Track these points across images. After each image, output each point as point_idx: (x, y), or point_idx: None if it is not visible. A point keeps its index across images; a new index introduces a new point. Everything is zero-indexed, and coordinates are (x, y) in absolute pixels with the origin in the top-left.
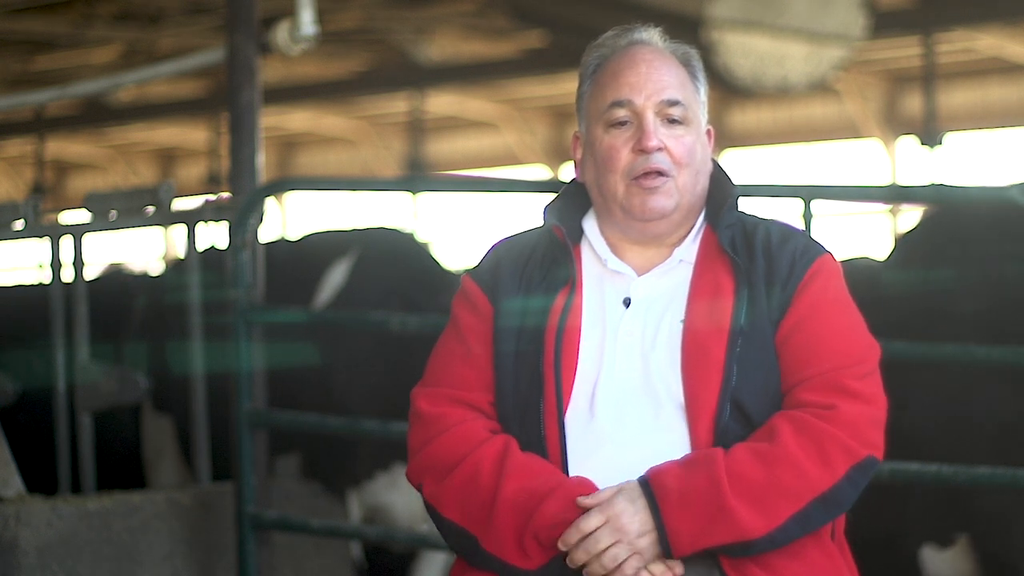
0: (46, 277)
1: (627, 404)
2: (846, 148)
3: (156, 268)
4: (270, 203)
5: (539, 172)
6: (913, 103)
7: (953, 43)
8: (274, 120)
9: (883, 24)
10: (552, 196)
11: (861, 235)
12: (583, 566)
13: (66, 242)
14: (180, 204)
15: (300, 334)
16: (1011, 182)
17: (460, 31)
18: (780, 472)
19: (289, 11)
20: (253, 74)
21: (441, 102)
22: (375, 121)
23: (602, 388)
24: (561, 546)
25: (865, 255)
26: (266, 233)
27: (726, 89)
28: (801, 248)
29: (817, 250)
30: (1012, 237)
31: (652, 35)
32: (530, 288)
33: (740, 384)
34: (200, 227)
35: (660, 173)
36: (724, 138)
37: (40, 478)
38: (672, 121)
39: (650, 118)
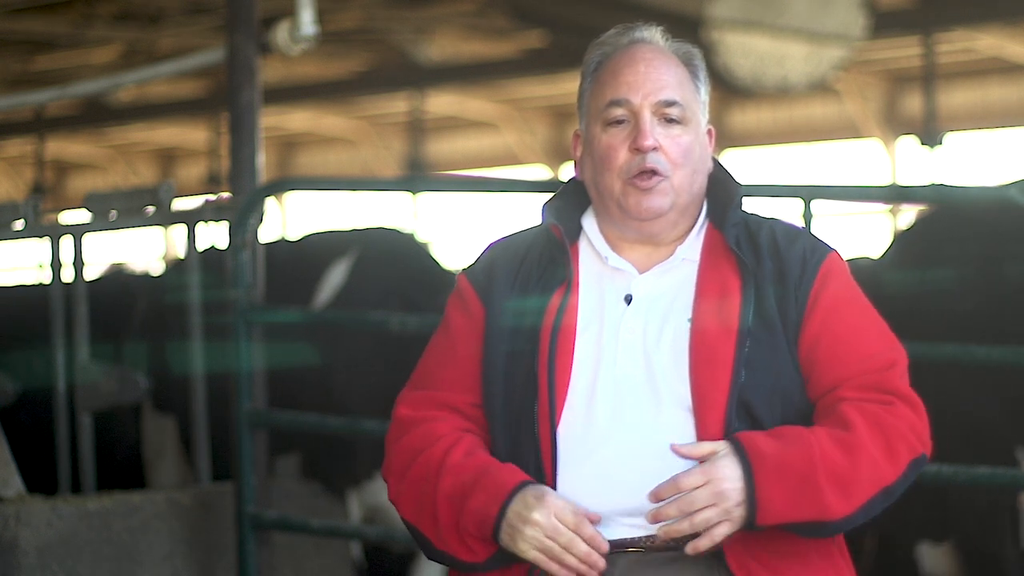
0: (46, 277)
1: (627, 402)
2: (846, 148)
3: (156, 268)
4: (270, 203)
5: (539, 172)
6: (913, 103)
7: (953, 43)
8: (274, 120)
9: (883, 24)
10: (551, 196)
11: (861, 235)
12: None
13: (66, 242)
14: (180, 204)
15: (300, 334)
16: (1011, 182)
17: (460, 31)
18: (858, 460)
19: (289, 11)
20: (253, 74)
21: (441, 102)
22: (375, 121)
23: (601, 385)
24: (651, 498)
25: (863, 255)
26: (266, 233)
27: (726, 89)
28: (810, 247)
29: (825, 248)
30: (1007, 237)
31: (654, 34)
32: (526, 288)
33: (748, 384)
34: (200, 227)
35: (655, 173)
36: (724, 138)
37: (40, 478)
38: (670, 121)
39: (647, 117)
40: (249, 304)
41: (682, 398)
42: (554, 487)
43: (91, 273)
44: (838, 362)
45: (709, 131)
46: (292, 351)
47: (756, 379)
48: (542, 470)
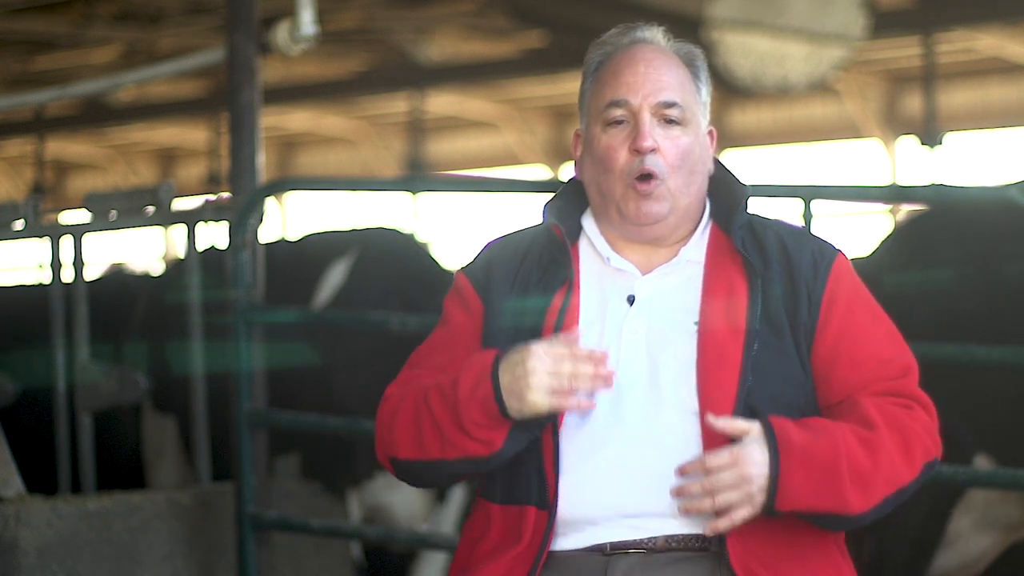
0: (46, 277)
1: (628, 403)
2: (846, 148)
3: (156, 268)
4: (270, 203)
5: (539, 172)
6: (913, 103)
7: (953, 43)
8: (274, 120)
9: (883, 24)
10: (551, 196)
11: (861, 235)
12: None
13: (66, 242)
14: (180, 204)
15: (300, 334)
16: (1011, 182)
17: (460, 31)
18: (879, 459)
19: (289, 11)
20: (253, 74)
21: (441, 102)
22: (375, 121)
23: None
24: (677, 473)
25: (862, 255)
26: (266, 233)
27: (726, 89)
28: (818, 249)
29: (833, 250)
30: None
31: (655, 34)
32: (526, 288)
33: (755, 387)
34: (200, 227)
35: (652, 176)
36: (724, 138)
37: (40, 478)
38: (669, 122)
39: (646, 118)
40: (249, 304)
41: (685, 400)
42: (556, 488)
43: (91, 273)
44: (857, 367)
45: (710, 132)
46: (292, 351)
47: (763, 382)
48: (544, 471)
